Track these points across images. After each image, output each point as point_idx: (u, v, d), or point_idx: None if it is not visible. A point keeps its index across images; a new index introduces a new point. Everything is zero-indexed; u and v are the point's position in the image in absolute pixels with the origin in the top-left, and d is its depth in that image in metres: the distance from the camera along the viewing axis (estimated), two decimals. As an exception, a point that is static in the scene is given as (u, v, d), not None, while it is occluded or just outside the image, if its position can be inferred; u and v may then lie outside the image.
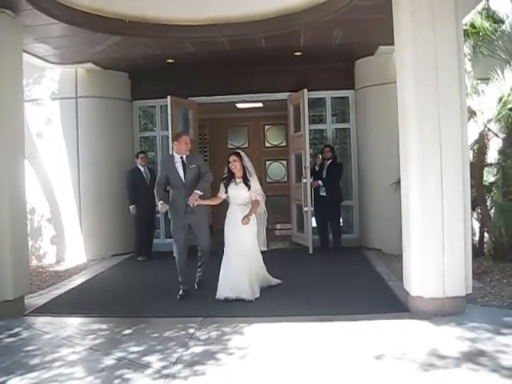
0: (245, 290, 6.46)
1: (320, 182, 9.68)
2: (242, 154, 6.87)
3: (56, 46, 8.25)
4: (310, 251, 9.66)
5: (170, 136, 9.58)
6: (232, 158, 6.73)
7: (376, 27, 7.49)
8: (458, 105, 5.61)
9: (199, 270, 7.20)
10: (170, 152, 9.71)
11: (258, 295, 6.59)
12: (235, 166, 6.72)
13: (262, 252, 7.07)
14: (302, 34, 8.21)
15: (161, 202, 6.89)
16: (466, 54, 7.89)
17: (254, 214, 6.68)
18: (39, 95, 9.99)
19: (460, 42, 5.74)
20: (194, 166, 6.86)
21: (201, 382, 4.13)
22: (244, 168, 6.77)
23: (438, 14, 5.57)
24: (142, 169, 9.79)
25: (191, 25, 7.34)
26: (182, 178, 6.85)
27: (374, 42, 8.79)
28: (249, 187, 6.69)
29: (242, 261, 6.57)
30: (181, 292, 6.82)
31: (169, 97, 9.89)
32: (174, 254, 7.24)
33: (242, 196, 6.73)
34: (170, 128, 9.81)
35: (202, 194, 6.67)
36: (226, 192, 6.76)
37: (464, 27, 7.60)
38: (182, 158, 6.90)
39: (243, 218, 6.54)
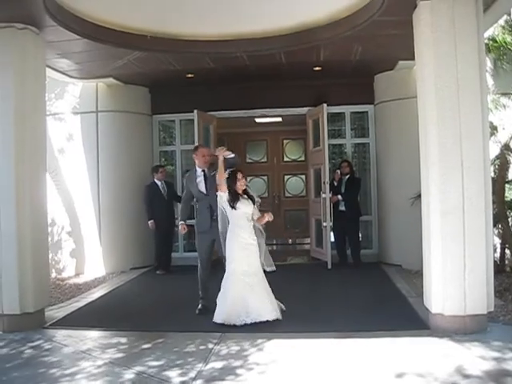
0: (269, 309, 6.22)
1: (339, 197, 9.65)
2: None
3: (78, 61, 8.33)
4: (329, 266, 9.61)
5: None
6: (240, 175, 6.45)
7: (396, 42, 7.48)
8: (479, 120, 5.57)
9: None
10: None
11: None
12: (244, 183, 6.49)
13: (270, 272, 6.65)
14: (321, 49, 8.23)
15: (182, 222, 6.93)
16: (488, 69, 7.84)
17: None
18: (61, 109, 10.11)
19: (482, 57, 5.72)
20: (214, 172, 6.71)
21: (220, 398, 4.12)
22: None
23: (459, 29, 5.55)
24: (159, 183, 9.82)
25: (211, 40, 7.43)
26: (203, 189, 6.84)
27: (394, 57, 8.77)
28: (253, 202, 6.51)
29: (257, 281, 6.33)
30: (200, 307, 6.79)
31: (195, 111, 9.98)
32: (199, 271, 6.98)
33: (249, 212, 6.47)
34: (196, 141, 9.85)
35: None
36: (234, 209, 6.36)
37: (485, 41, 7.56)
38: (203, 170, 6.90)
39: (259, 218, 6.52)
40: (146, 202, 9.80)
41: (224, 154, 6.46)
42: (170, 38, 7.28)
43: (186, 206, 7.16)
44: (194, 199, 7.09)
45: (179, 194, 9.88)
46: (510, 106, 8.09)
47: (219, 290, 6.34)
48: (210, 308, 6.57)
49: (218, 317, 6.18)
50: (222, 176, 6.39)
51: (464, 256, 5.50)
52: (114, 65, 8.68)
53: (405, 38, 6.45)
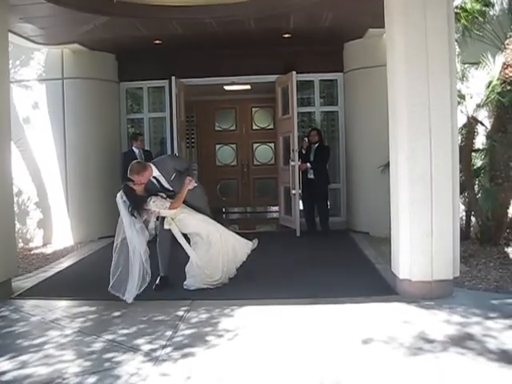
0: None
1: (308, 165, 9.66)
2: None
3: (42, 26, 8.10)
4: (298, 234, 9.68)
5: (175, 118, 9.86)
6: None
7: (366, 9, 7.44)
8: (448, 89, 5.60)
9: None
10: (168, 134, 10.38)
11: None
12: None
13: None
14: (291, 16, 8.15)
15: None
16: (456, 38, 7.85)
17: None
18: (26, 77, 9.84)
19: (451, 26, 5.74)
20: (173, 177, 6.47)
21: (190, 365, 4.13)
22: None
23: (429, -4, 5.54)
24: (136, 151, 9.61)
25: (180, 5, 7.32)
26: (167, 189, 6.53)
27: (364, 25, 8.73)
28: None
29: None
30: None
31: (173, 77, 9.92)
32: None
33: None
34: (175, 109, 9.83)
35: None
36: None
37: (455, 10, 7.56)
38: (154, 177, 6.47)
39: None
40: (121, 169, 9.66)
41: (190, 186, 6.36)
42: (136, 2, 7.16)
43: None
44: None
45: None
46: (478, 76, 8.10)
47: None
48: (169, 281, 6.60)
49: None
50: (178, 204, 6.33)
51: (431, 222, 5.58)
52: (79, 30, 8.46)
53: (375, 6, 6.39)
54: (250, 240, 6.75)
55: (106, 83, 10.35)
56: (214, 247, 6.41)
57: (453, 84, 5.75)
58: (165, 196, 6.35)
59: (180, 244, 6.48)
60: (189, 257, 6.48)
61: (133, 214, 6.07)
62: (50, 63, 9.81)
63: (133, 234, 6.03)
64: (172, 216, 6.36)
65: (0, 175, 6.31)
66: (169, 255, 6.65)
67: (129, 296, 5.83)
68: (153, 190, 6.38)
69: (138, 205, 6.13)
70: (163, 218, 6.45)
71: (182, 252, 6.49)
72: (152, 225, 6.89)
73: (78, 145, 9.89)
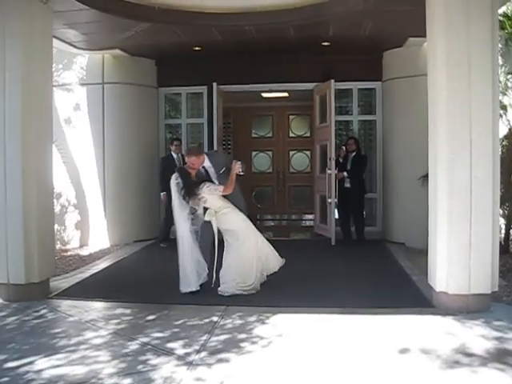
0: None
1: (345, 174, 9.62)
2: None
3: (84, 32, 8.27)
4: (333, 242, 9.64)
5: (216, 124, 9.96)
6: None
7: (407, 18, 7.37)
8: (490, 100, 5.50)
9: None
10: (201, 140, 10.57)
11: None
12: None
13: None
14: (331, 24, 8.14)
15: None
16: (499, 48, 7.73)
17: None
18: (68, 80, 10.04)
19: (494, 35, 5.62)
20: (223, 170, 6.59)
21: (224, 370, 4.14)
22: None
23: (472, 6, 5.43)
24: (175, 156, 9.68)
25: (220, 13, 7.35)
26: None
27: (404, 34, 8.66)
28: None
29: None
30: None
31: (214, 84, 9.99)
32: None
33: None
34: (215, 116, 9.93)
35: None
36: None
37: (500, 18, 7.41)
38: (203, 167, 6.59)
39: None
40: (159, 173, 9.76)
41: (236, 170, 6.39)
42: (177, 9, 7.21)
43: None
44: None
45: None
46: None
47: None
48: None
49: None
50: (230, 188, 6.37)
51: (470, 235, 5.48)
52: (120, 36, 8.60)
53: (416, 15, 6.34)
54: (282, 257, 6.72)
55: (145, 88, 10.50)
56: (248, 252, 6.41)
57: (495, 95, 5.64)
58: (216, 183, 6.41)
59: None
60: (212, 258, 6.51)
61: (184, 198, 6.14)
62: (91, 68, 9.99)
63: (180, 219, 6.14)
64: (216, 209, 6.38)
65: (42, 177, 6.44)
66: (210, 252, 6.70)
67: (183, 287, 6.21)
68: (202, 178, 6.46)
69: (191, 188, 6.23)
70: (205, 210, 6.47)
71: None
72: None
73: (116, 148, 10.04)
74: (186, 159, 6.59)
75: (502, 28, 8.07)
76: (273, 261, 6.63)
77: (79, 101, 10.07)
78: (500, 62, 7.85)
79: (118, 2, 6.82)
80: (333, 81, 9.74)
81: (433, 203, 5.85)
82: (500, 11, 7.49)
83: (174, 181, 6.32)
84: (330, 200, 9.69)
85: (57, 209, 9.64)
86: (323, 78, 10.03)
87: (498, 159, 5.79)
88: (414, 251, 8.74)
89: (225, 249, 6.50)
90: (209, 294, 6.35)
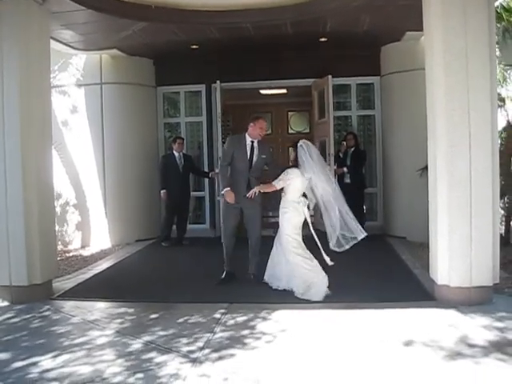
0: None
1: (345, 169, 9.63)
2: (300, 143, 6.38)
3: (82, 32, 8.27)
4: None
5: (219, 122, 9.96)
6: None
7: (404, 13, 7.38)
8: (487, 92, 5.51)
9: (253, 260, 6.86)
10: (205, 138, 10.50)
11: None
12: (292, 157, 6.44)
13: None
14: (328, 20, 8.14)
15: (228, 189, 6.60)
16: (496, 40, 7.73)
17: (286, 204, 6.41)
18: (64, 82, 10.05)
19: (491, 28, 5.64)
20: (264, 156, 6.71)
21: (229, 366, 4.16)
22: (296, 158, 6.34)
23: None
24: (176, 154, 9.71)
25: (217, 10, 7.35)
26: (250, 161, 6.66)
27: (402, 28, 8.67)
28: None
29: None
30: (223, 275, 6.82)
31: (218, 81, 9.96)
32: (222, 240, 6.95)
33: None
34: (219, 113, 9.94)
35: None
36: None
37: (496, 10, 7.41)
38: (252, 142, 6.73)
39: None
40: (160, 171, 9.80)
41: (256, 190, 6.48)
42: (174, 8, 7.20)
43: (226, 170, 6.74)
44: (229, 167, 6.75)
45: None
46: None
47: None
48: (234, 276, 6.81)
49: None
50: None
51: (470, 228, 5.50)
52: (118, 36, 8.61)
53: (413, 9, 6.35)
54: None
55: (143, 88, 10.52)
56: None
57: (493, 87, 5.66)
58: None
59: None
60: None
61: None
62: (89, 68, 9.99)
63: None
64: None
65: (42, 179, 6.45)
66: (234, 245, 6.82)
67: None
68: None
69: None
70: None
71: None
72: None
73: (115, 148, 10.05)
74: (258, 124, 6.75)
75: (499, 20, 8.07)
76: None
77: (77, 102, 10.08)
78: (497, 54, 7.88)
79: (115, 1, 6.82)
80: (330, 76, 9.73)
81: (433, 196, 5.86)
82: (497, 3, 7.49)
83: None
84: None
85: (58, 210, 9.64)
86: (321, 74, 10.00)
87: (497, 151, 5.80)
88: (416, 245, 8.76)
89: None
90: (210, 291, 6.45)
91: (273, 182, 6.30)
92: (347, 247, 6.12)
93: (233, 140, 6.99)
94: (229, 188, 6.59)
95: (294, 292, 6.17)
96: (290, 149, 6.48)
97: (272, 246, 6.59)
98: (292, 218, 6.37)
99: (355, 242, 6.11)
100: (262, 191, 6.48)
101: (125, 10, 6.97)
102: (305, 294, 6.07)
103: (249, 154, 6.69)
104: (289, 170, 6.27)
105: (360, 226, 6.22)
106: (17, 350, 4.61)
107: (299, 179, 6.25)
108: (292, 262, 6.27)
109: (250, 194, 6.38)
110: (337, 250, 6.11)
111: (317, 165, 6.22)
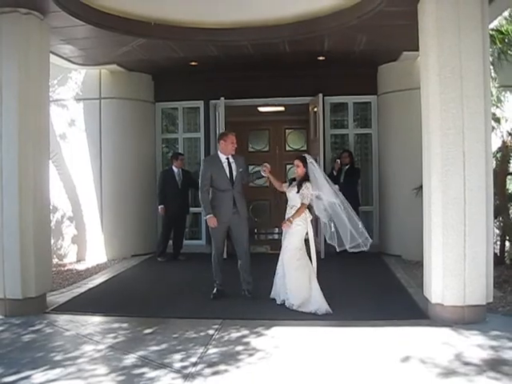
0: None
1: (336, 187, 9.60)
2: (308, 159, 6.52)
3: (81, 48, 8.33)
4: (322, 256, 9.49)
5: None
6: (295, 162, 6.54)
7: (400, 33, 7.45)
8: (482, 112, 5.57)
9: (245, 276, 6.83)
10: (202, 154, 10.49)
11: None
12: (297, 171, 6.54)
13: None
14: (326, 39, 8.22)
15: (210, 215, 6.64)
16: (491, 61, 7.81)
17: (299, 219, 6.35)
18: (63, 96, 10.10)
19: (486, 49, 5.71)
20: (241, 170, 6.81)
21: (221, 382, 4.16)
22: (306, 173, 6.44)
23: (463, 20, 5.54)
24: (175, 170, 9.74)
25: (215, 28, 7.42)
26: (231, 178, 6.73)
27: (398, 48, 8.74)
28: (298, 190, 6.36)
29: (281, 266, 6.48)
30: (214, 291, 6.86)
31: (222, 98, 10.01)
32: (213, 255, 6.93)
33: (291, 198, 6.48)
34: (220, 130, 9.86)
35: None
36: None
37: (491, 32, 7.50)
38: (227, 158, 6.79)
39: (284, 221, 6.40)
40: (158, 186, 9.83)
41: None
42: (174, 25, 7.27)
43: (207, 194, 6.78)
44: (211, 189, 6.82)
45: None
46: (513, 99, 8.06)
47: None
48: (225, 293, 6.83)
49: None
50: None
51: (464, 247, 5.52)
52: (117, 52, 8.67)
53: (410, 29, 6.44)
54: None
55: (142, 103, 10.56)
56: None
57: (487, 107, 5.72)
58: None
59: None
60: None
61: None
62: (88, 83, 10.05)
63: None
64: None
65: (38, 192, 6.46)
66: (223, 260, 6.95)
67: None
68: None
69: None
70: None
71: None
72: None
73: (113, 163, 10.06)
74: (228, 139, 6.85)
75: (494, 42, 8.15)
76: None
77: (75, 116, 10.12)
78: (492, 74, 7.95)
79: (114, 18, 6.89)
80: (321, 95, 9.82)
81: (427, 215, 5.89)
82: (492, 25, 7.58)
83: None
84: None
85: (53, 223, 9.63)
86: (318, 92, 10.08)
87: (491, 171, 5.85)
88: (411, 263, 8.77)
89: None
90: (205, 307, 6.43)
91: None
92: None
93: (208, 162, 7.05)
94: (211, 214, 6.66)
95: (293, 305, 6.20)
96: (296, 161, 6.55)
97: (267, 263, 6.57)
98: (302, 230, 6.39)
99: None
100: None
101: (124, 26, 7.03)
102: (302, 306, 6.14)
103: (227, 171, 6.76)
104: (307, 184, 6.35)
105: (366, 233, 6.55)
106: (8, 364, 4.60)
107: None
108: (293, 275, 6.29)
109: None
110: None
111: (325, 182, 6.45)
